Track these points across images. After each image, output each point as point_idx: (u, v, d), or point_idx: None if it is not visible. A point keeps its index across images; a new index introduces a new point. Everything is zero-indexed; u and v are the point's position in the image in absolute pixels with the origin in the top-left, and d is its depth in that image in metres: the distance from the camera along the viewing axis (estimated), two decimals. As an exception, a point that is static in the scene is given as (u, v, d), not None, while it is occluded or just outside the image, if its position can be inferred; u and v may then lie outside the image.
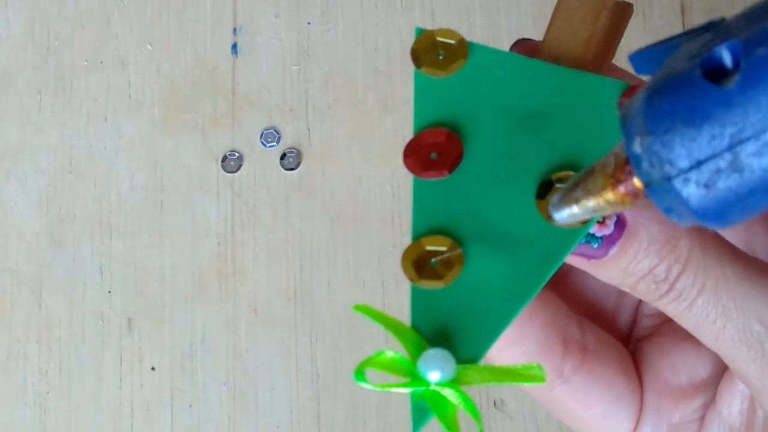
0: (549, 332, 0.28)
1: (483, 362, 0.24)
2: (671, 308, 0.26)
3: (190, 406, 0.48)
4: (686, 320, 0.26)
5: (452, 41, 0.27)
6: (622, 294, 0.32)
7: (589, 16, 0.28)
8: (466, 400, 0.23)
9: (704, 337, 0.26)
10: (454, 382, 0.23)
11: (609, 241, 0.25)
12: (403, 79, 0.52)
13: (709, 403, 0.29)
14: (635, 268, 0.25)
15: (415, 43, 0.28)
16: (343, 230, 0.50)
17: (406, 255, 0.25)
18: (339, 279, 0.49)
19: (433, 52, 0.27)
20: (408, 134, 0.51)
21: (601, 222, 0.25)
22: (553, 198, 0.23)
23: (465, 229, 0.25)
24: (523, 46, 0.28)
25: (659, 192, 0.20)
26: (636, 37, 0.52)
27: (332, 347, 0.49)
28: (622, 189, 0.21)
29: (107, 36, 0.53)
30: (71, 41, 0.53)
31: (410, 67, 0.52)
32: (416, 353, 0.23)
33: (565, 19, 0.28)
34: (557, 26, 0.28)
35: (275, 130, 0.51)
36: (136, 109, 0.52)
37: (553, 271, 0.24)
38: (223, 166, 0.50)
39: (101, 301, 0.49)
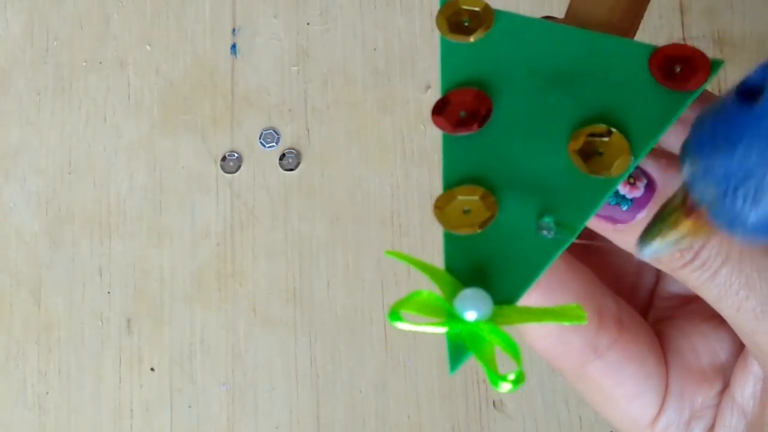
0: (584, 304, 0.27)
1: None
2: (694, 277, 0.25)
3: (190, 406, 0.48)
4: (708, 291, 0.25)
5: (477, 8, 0.27)
6: (638, 275, 0.31)
7: None
8: (505, 337, 0.23)
9: (725, 308, 0.25)
10: (492, 321, 0.23)
11: (638, 204, 0.25)
12: (402, 79, 0.52)
13: (726, 387, 0.29)
14: None
15: (439, 12, 0.28)
16: (343, 231, 0.50)
17: (437, 204, 0.25)
18: (338, 279, 0.49)
19: (458, 19, 0.27)
20: (407, 134, 0.52)
21: (632, 184, 0.25)
22: (638, 237, 0.23)
23: (497, 179, 0.25)
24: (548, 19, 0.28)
25: (719, 213, 0.20)
26: (635, 36, 0.52)
27: (331, 348, 0.49)
28: (692, 217, 0.21)
29: (106, 36, 0.53)
30: (70, 42, 0.53)
31: (409, 67, 0.52)
32: (452, 294, 0.23)
33: None
34: None
35: (274, 131, 0.51)
36: (135, 109, 0.52)
37: (587, 220, 0.24)
38: (222, 167, 0.50)
39: (100, 301, 0.49)
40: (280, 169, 0.51)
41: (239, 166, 0.51)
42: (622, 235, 0.26)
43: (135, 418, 0.48)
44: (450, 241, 0.25)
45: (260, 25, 0.53)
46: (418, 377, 0.48)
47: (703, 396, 0.29)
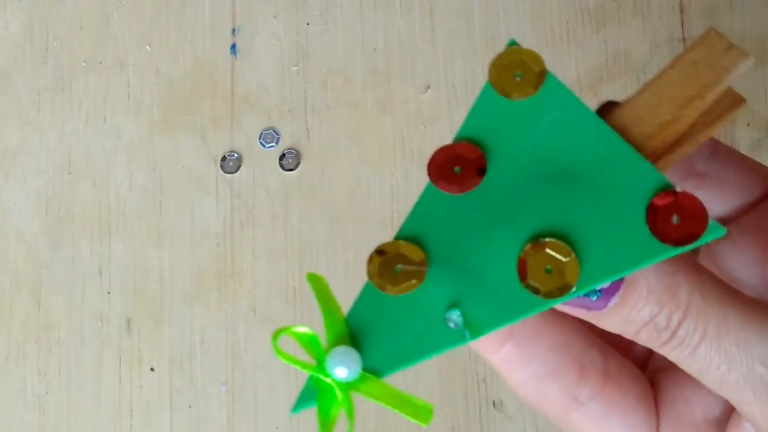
0: (561, 355, 0.28)
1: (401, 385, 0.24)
2: (674, 355, 0.26)
3: (189, 406, 0.48)
4: (690, 366, 0.26)
5: (535, 68, 0.26)
6: None
7: (681, 100, 0.26)
8: (350, 406, 0.24)
9: (709, 382, 0.26)
10: (351, 386, 0.24)
11: (608, 293, 0.25)
12: (402, 79, 0.52)
13: None
14: (636, 318, 0.25)
15: (500, 56, 0.27)
16: (342, 230, 0.50)
17: (379, 250, 0.25)
18: (338, 279, 0.49)
19: (513, 70, 0.27)
20: (407, 134, 0.52)
21: None
22: None
23: (441, 252, 0.25)
24: (607, 106, 0.28)
25: None
26: (634, 36, 0.52)
27: (331, 348, 0.48)
28: None
29: (106, 37, 0.53)
30: (70, 42, 0.53)
31: (409, 67, 0.52)
32: (333, 343, 0.24)
33: (655, 93, 0.26)
34: (642, 97, 0.26)
35: (274, 131, 0.51)
36: (135, 109, 0.52)
37: (496, 329, 0.24)
38: (222, 167, 0.50)
39: (100, 301, 0.49)
40: (280, 169, 0.51)
41: (239, 166, 0.51)
42: (598, 319, 0.26)
43: (135, 418, 0.48)
44: (367, 291, 0.25)
45: (260, 26, 0.53)
46: (417, 377, 0.48)
47: None
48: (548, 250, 0.24)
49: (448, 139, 0.27)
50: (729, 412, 0.28)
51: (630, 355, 0.31)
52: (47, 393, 0.48)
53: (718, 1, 0.52)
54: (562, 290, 0.24)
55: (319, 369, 0.24)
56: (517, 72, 0.27)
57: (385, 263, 0.25)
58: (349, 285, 0.49)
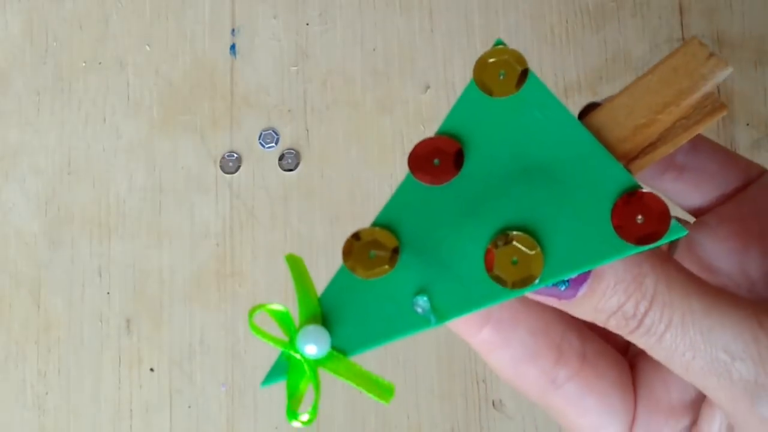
0: (539, 339, 0.29)
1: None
2: (642, 342, 0.27)
3: (189, 406, 0.48)
4: (657, 353, 0.27)
5: (518, 67, 0.28)
6: None
7: (658, 105, 0.27)
8: (317, 382, 0.25)
9: (675, 368, 0.27)
10: (319, 362, 0.25)
11: (576, 282, 0.26)
12: (401, 79, 0.52)
13: (694, 423, 0.30)
14: (604, 306, 0.26)
15: (485, 54, 0.28)
16: (342, 231, 0.50)
17: (355, 235, 0.27)
18: (338, 279, 0.49)
19: (497, 69, 0.28)
20: (406, 134, 0.52)
21: None
22: None
23: (414, 240, 0.26)
24: (589, 108, 0.29)
25: None
26: (634, 36, 0.52)
27: (331, 348, 0.49)
28: None
29: (106, 37, 0.53)
30: (69, 42, 0.53)
31: (409, 67, 0.52)
32: (305, 321, 0.26)
33: (633, 96, 0.27)
34: (620, 100, 0.27)
35: (274, 131, 0.51)
36: (134, 110, 0.52)
37: (461, 316, 0.26)
38: (221, 167, 0.50)
39: (100, 302, 0.49)
40: (280, 170, 0.51)
41: (239, 167, 0.51)
42: (569, 308, 0.27)
43: (134, 418, 0.48)
44: (341, 274, 0.26)
45: (259, 26, 0.53)
46: (417, 377, 0.48)
47: (669, 429, 0.30)
48: (515, 243, 0.25)
49: (447, 139, 0.28)
50: (703, 395, 0.29)
51: (611, 339, 0.31)
52: (47, 393, 0.48)
53: (717, 1, 0.52)
54: (525, 281, 0.25)
55: (290, 345, 0.25)
56: (501, 71, 0.28)
57: (360, 248, 0.27)
58: (348, 285, 0.49)
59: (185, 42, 0.53)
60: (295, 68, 0.52)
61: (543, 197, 0.26)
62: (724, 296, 0.26)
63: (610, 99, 0.28)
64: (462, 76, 0.52)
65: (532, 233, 0.26)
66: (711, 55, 0.27)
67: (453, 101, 0.53)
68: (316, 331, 0.25)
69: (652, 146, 0.27)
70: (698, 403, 0.30)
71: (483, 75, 0.28)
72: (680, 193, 0.33)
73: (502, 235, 0.26)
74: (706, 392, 0.27)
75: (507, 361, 0.29)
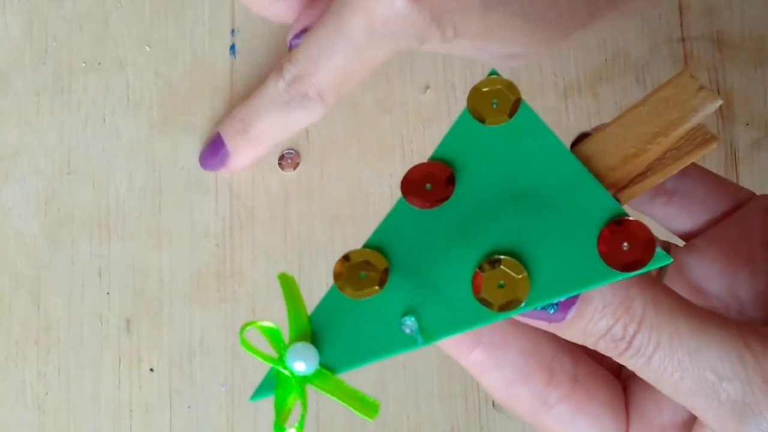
0: (530, 361, 0.30)
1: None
2: (631, 363, 0.27)
3: (189, 407, 0.48)
4: (646, 374, 0.27)
5: (511, 96, 0.28)
6: None
7: (647, 135, 0.28)
8: (304, 398, 0.26)
9: (665, 389, 0.27)
10: (307, 379, 0.26)
11: (564, 306, 0.26)
12: (401, 79, 0.52)
13: None
14: (593, 329, 0.27)
15: (479, 84, 0.29)
16: (342, 231, 0.50)
17: (347, 256, 0.27)
18: (337, 280, 0.49)
19: (491, 98, 0.29)
20: (406, 134, 0.52)
21: None
22: None
23: (403, 262, 0.27)
24: (581, 138, 0.29)
25: None
26: (633, 37, 0.52)
27: (331, 348, 0.48)
28: None
29: (105, 37, 0.53)
30: (69, 42, 0.53)
31: (408, 67, 0.52)
32: (295, 338, 0.26)
33: (623, 126, 0.28)
34: (611, 129, 0.28)
35: (273, 131, 0.51)
36: (134, 110, 0.52)
37: (447, 337, 0.26)
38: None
39: (100, 302, 0.49)
40: (279, 170, 0.51)
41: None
42: (559, 331, 0.27)
43: (134, 418, 0.48)
44: (332, 294, 0.27)
45: (259, 26, 0.53)
46: (417, 378, 0.48)
47: None
48: (503, 267, 0.26)
49: (447, 139, 0.28)
50: (695, 415, 0.30)
51: (604, 361, 0.32)
52: (46, 394, 0.48)
53: (717, 1, 0.52)
54: (511, 304, 0.26)
55: (279, 362, 0.26)
56: (494, 99, 0.28)
57: (351, 269, 0.27)
58: (348, 285, 0.49)
59: (185, 42, 0.53)
60: (295, 68, 0.52)
61: (531, 223, 0.27)
62: (710, 317, 0.27)
63: (602, 128, 0.28)
64: (461, 77, 0.52)
65: (519, 258, 0.26)
66: (701, 88, 0.27)
67: (452, 102, 0.54)
68: (305, 348, 0.26)
69: (641, 176, 0.28)
70: (690, 424, 0.30)
71: (476, 103, 0.29)
72: (670, 218, 0.34)
73: (490, 259, 0.26)
74: (695, 412, 0.27)
75: (498, 382, 0.30)
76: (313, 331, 0.27)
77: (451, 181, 0.28)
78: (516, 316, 0.27)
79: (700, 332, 0.26)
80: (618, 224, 0.26)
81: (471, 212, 0.27)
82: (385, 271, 0.27)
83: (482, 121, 0.28)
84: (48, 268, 0.50)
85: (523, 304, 0.26)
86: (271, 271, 0.49)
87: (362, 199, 0.50)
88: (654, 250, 0.26)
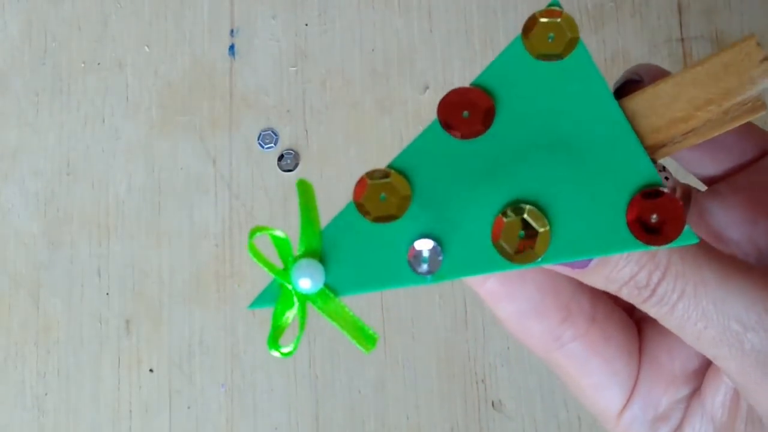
0: (546, 297, 0.29)
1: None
2: (654, 311, 0.27)
3: (189, 407, 0.48)
4: (669, 322, 0.27)
5: (569, 34, 0.26)
6: None
7: (700, 101, 0.26)
8: (303, 317, 0.25)
9: (687, 337, 0.27)
10: (309, 298, 0.25)
11: None
12: (400, 79, 0.52)
13: (695, 393, 0.30)
14: (617, 276, 0.26)
15: (539, 13, 0.26)
16: (341, 231, 0.50)
17: (370, 174, 0.26)
18: (337, 280, 0.49)
19: (547, 31, 0.26)
20: (405, 134, 0.52)
21: None
22: None
23: (426, 192, 0.26)
24: (628, 85, 0.28)
25: None
26: (633, 36, 0.52)
27: (330, 348, 0.49)
28: None
29: (104, 38, 0.53)
30: (68, 43, 0.53)
31: (408, 67, 0.52)
32: (304, 253, 0.25)
33: (677, 86, 0.26)
34: (663, 88, 0.26)
35: (273, 132, 0.51)
36: (133, 110, 0.52)
37: (458, 278, 0.25)
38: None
39: (99, 302, 0.49)
40: (279, 170, 0.51)
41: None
42: (582, 277, 0.27)
43: (134, 419, 0.48)
44: (347, 212, 0.26)
45: (258, 26, 0.53)
46: (416, 378, 0.48)
47: (669, 398, 0.30)
48: (526, 217, 0.25)
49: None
50: (707, 365, 0.29)
51: (619, 300, 0.31)
52: (46, 394, 0.48)
53: (716, 1, 0.52)
54: (528, 258, 0.25)
55: (284, 275, 0.25)
56: (550, 33, 0.26)
57: (373, 188, 0.26)
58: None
59: (184, 43, 0.53)
60: (294, 69, 0.52)
61: (563, 175, 0.25)
62: (737, 267, 0.26)
63: (654, 84, 0.27)
64: (461, 77, 0.52)
65: (543, 210, 0.25)
66: (766, 58, 0.26)
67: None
68: (313, 265, 0.25)
69: (681, 137, 0.27)
70: (700, 373, 0.29)
71: (531, 33, 0.26)
72: (694, 162, 0.33)
73: (515, 207, 0.25)
74: (716, 362, 0.27)
75: (511, 314, 0.29)
76: (323, 248, 0.26)
77: (489, 113, 0.26)
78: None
79: (726, 281, 0.26)
80: (651, 193, 0.25)
81: (503, 152, 0.26)
82: (406, 198, 0.26)
83: (534, 54, 0.26)
84: (47, 269, 0.50)
85: (539, 259, 0.24)
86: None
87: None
88: (683, 228, 0.24)
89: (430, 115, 0.51)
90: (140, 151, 0.51)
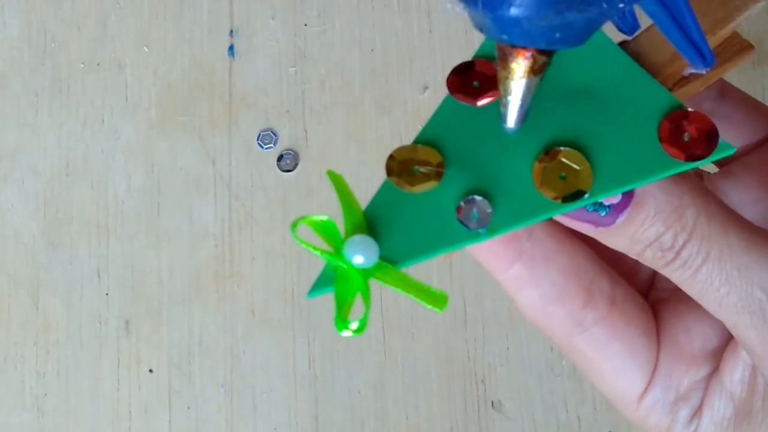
0: (569, 279, 0.29)
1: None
2: (677, 275, 0.26)
3: (188, 407, 0.48)
4: (691, 287, 0.26)
5: None
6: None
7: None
8: (367, 292, 0.24)
9: (708, 303, 0.26)
10: (369, 272, 0.24)
11: (617, 209, 0.25)
12: (400, 80, 0.52)
13: (714, 373, 0.29)
14: (642, 236, 0.26)
15: None
16: (342, 231, 0.50)
17: (398, 152, 0.26)
18: (336, 280, 0.49)
19: None
20: (405, 135, 0.52)
21: None
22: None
23: (458, 156, 0.26)
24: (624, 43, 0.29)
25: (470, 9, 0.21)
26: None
27: (330, 348, 0.49)
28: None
29: (104, 38, 0.53)
30: (68, 43, 0.53)
31: (407, 67, 0.52)
32: (351, 232, 0.25)
33: None
34: (656, 28, 0.27)
35: (272, 132, 0.51)
36: (133, 111, 0.52)
37: (512, 229, 0.25)
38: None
39: (99, 303, 0.49)
40: (278, 170, 0.51)
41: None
42: (605, 236, 0.26)
43: (133, 419, 0.48)
44: (385, 189, 0.26)
45: (258, 27, 0.53)
46: (416, 378, 0.48)
47: (690, 378, 0.29)
48: (563, 158, 0.25)
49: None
50: (726, 343, 0.29)
51: (633, 282, 0.31)
52: (46, 395, 0.48)
53: (715, 1, 0.52)
54: (575, 195, 0.25)
55: (336, 256, 0.24)
56: None
57: (403, 164, 0.26)
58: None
59: (183, 43, 0.53)
60: (294, 69, 0.52)
61: (588, 117, 0.26)
62: (763, 234, 0.26)
63: (648, 28, 0.27)
64: (460, 77, 0.52)
65: (579, 149, 0.25)
66: None
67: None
68: (364, 240, 0.24)
69: (684, 80, 0.27)
70: (719, 352, 0.29)
71: None
72: None
73: (549, 151, 0.25)
74: (735, 331, 0.26)
75: (535, 299, 0.29)
76: (368, 225, 0.25)
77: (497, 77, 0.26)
78: (563, 218, 0.26)
79: (752, 247, 0.25)
80: (677, 115, 0.25)
81: None
82: (440, 165, 0.26)
83: None
84: (47, 269, 0.50)
85: (587, 195, 0.25)
86: (270, 272, 0.49)
87: (361, 200, 0.50)
88: (717, 139, 0.25)
89: (430, 115, 0.51)
90: (140, 151, 0.51)
